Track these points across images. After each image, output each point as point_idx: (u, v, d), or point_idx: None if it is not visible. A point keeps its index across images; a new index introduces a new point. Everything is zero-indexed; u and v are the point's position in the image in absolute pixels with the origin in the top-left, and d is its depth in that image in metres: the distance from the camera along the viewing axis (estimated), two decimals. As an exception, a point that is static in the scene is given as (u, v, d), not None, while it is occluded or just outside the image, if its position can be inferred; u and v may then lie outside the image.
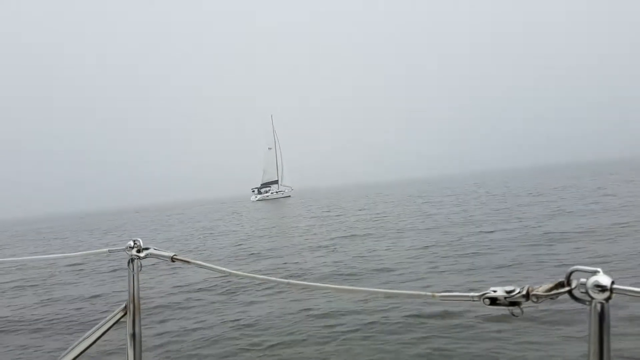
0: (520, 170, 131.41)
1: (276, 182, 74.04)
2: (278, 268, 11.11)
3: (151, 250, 1.80)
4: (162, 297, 8.89)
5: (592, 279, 0.93)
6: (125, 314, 1.81)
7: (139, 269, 1.81)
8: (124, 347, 1.80)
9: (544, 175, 66.03)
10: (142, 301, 1.85)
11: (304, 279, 9.11)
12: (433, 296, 1.19)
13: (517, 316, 1.04)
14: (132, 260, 1.80)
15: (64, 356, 1.74)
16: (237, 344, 5.87)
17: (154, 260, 1.85)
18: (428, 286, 7.96)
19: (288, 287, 8.01)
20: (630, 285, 0.92)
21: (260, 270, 10.89)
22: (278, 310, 7.25)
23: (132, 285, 1.82)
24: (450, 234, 13.95)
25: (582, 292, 0.95)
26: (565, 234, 11.69)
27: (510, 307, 1.03)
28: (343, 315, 6.55)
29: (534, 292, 1.00)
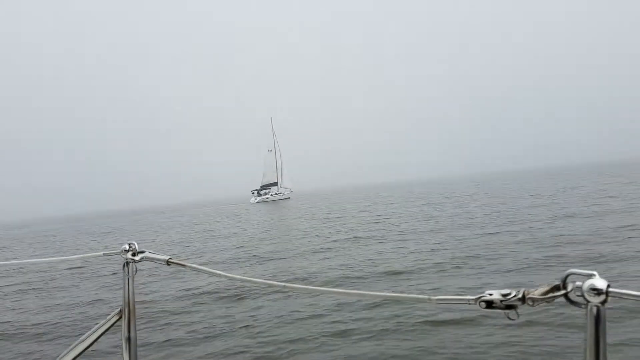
0: (520, 172, 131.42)
1: (276, 184, 74.01)
2: (282, 272, 10.94)
3: (146, 254, 1.78)
4: (157, 300, 8.84)
5: (588, 282, 0.93)
6: (121, 317, 1.80)
7: (134, 272, 1.80)
8: (119, 351, 1.78)
9: (544, 177, 65.97)
10: (137, 305, 1.82)
11: (301, 283, 9.01)
12: (430, 300, 1.19)
13: (513, 319, 1.04)
14: (127, 263, 1.79)
15: None
16: (233, 348, 5.85)
17: (150, 264, 1.83)
18: (438, 288, 7.86)
19: (285, 291, 7.92)
20: (626, 288, 0.92)
21: (262, 274, 10.76)
22: (278, 312, 7.21)
23: (127, 289, 1.80)
24: (454, 235, 13.82)
25: (578, 296, 0.95)
26: (572, 236, 11.56)
27: (507, 311, 1.03)
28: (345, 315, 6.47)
29: (530, 296, 1.00)
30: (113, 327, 1.80)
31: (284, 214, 37.25)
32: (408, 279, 8.83)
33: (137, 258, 1.78)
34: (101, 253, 2.02)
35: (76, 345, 1.76)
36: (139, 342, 1.83)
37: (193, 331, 6.69)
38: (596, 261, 8.58)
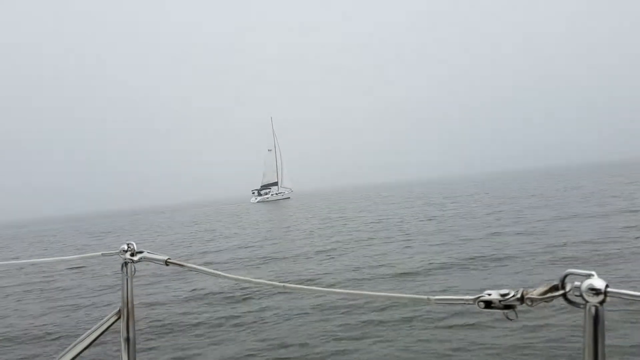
0: (520, 172, 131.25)
1: (276, 184, 73.95)
2: (289, 273, 10.80)
3: (145, 254, 1.77)
4: (157, 300, 8.82)
5: (587, 282, 0.93)
6: (119, 318, 1.79)
7: (133, 272, 1.79)
8: (117, 351, 1.77)
9: (544, 177, 65.90)
10: (136, 305, 1.82)
11: (301, 283, 8.95)
12: (429, 300, 1.19)
13: (511, 319, 1.04)
14: (125, 263, 1.78)
15: None
16: (233, 347, 5.87)
17: (149, 264, 1.81)
18: (452, 288, 7.80)
19: (284, 291, 7.98)
20: (625, 288, 0.92)
21: (268, 275, 10.69)
22: (277, 312, 7.21)
23: (126, 289, 1.79)
24: (458, 236, 13.72)
25: (576, 296, 0.95)
26: (577, 237, 11.47)
27: (505, 311, 1.03)
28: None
29: (529, 296, 1.00)
30: (112, 328, 1.79)
31: (285, 214, 37.19)
32: (415, 280, 8.74)
33: (135, 258, 1.77)
34: (100, 253, 2.01)
35: (75, 345, 1.75)
36: (137, 343, 1.82)
37: (192, 331, 6.69)
38: (602, 263, 8.52)
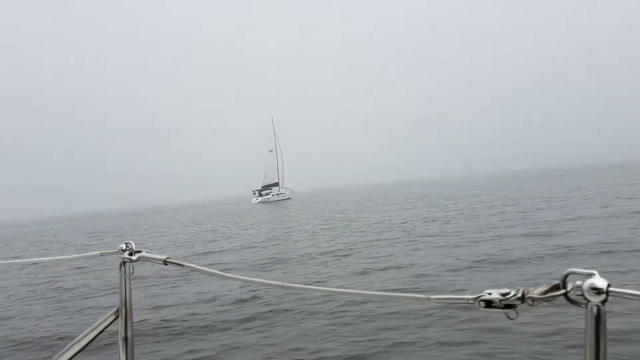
0: (520, 173, 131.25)
1: (277, 184, 73.90)
2: (300, 276, 10.63)
3: (143, 253, 1.77)
4: (155, 300, 8.80)
5: (588, 282, 0.93)
6: (117, 317, 1.79)
7: (131, 272, 1.79)
8: (115, 351, 1.77)
9: (545, 177, 65.82)
10: (134, 305, 1.82)
11: (299, 282, 8.85)
12: (428, 299, 1.18)
13: (512, 319, 1.03)
14: (124, 263, 1.78)
15: None
16: (233, 347, 5.86)
17: (148, 264, 1.80)
18: (464, 289, 7.72)
19: (282, 290, 7.90)
20: (627, 287, 0.91)
21: (276, 277, 10.58)
22: (278, 312, 7.21)
23: (124, 289, 1.79)
24: (465, 238, 13.54)
25: (578, 295, 0.94)
26: (586, 238, 11.36)
27: (506, 310, 1.03)
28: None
29: (530, 295, 1.00)
30: (110, 327, 1.79)
31: (287, 214, 37.09)
32: (427, 281, 8.62)
33: (134, 258, 1.77)
34: (98, 253, 2.00)
35: (72, 345, 1.74)
36: (135, 343, 1.82)
37: (191, 331, 6.68)
38: (612, 264, 8.42)
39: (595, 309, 0.92)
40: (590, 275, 0.94)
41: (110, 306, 1.83)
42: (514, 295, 1.01)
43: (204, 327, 6.87)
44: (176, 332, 6.72)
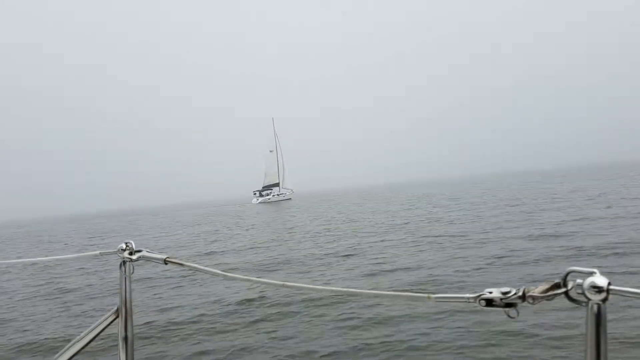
0: (520, 173, 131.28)
1: (277, 184, 73.82)
2: (306, 277, 10.47)
3: (144, 253, 1.77)
4: (155, 300, 8.79)
5: (589, 280, 0.93)
6: (117, 317, 1.79)
7: (132, 271, 1.79)
8: (115, 351, 1.76)
9: (545, 178, 65.73)
10: (134, 304, 1.82)
11: (300, 282, 8.78)
12: (429, 298, 1.18)
13: (513, 318, 1.03)
14: (124, 262, 1.77)
15: None
16: (232, 348, 5.87)
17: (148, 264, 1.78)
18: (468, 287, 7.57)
19: (283, 289, 7.93)
20: (627, 286, 0.92)
21: (284, 279, 10.42)
22: (278, 313, 7.18)
23: (124, 288, 1.79)
24: (474, 239, 13.34)
25: (578, 293, 0.95)
26: (597, 239, 11.22)
27: (506, 309, 1.03)
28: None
29: (530, 294, 1.00)
30: (110, 327, 1.78)
31: (289, 214, 36.96)
32: (434, 284, 8.49)
33: (134, 257, 1.76)
34: (98, 252, 1.99)
35: (72, 344, 1.73)
36: (135, 342, 1.82)
37: (190, 332, 6.67)
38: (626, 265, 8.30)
39: (595, 307, 0.92)
40: (591, 273, 0.94)
41: (111, 306, 1.82)
42: (515, 294, 1.01)
43: (204, 327, 6.84)
44: (176, 332, 6.70)
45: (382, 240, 15.05)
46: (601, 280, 0.92)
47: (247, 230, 24.75)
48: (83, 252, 2.22)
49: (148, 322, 7.19)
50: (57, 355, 1.73)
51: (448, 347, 5.23)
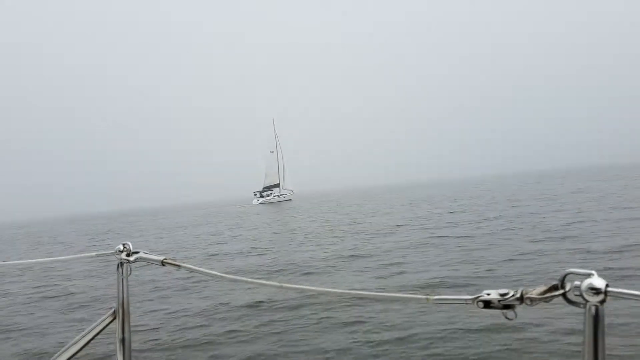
0: (521, 174, 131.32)
1: (278, 185, 73.78)
2: (310, 279, 10.32)
3: (141, 254, 1.76)
4: (153, 301, 8.79)
5: (587, 282, 0.93)
6: (115, 318, 1.78)
7: (129, 273, 1.78)
8: (113, 352, 1.76)
9: (546, 179, 65.72)
10: (131, 306, 1.81)
11: (297, 283, 8.73)
12: (427, 299, 1.18)
13: (511, 319, 1.03)
14: (121, 264, 1.77)
15: None
16: (226, 349, 5.87)
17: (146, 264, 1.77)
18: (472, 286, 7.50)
19: (281, 291, 7.88)
20: (625, 287, 0.92)
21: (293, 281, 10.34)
22: (278, 312, 7.22)
23: (121, 290, 1.78)
24: (483, 242, 13.17)
25: (576, 295, 0.95)
26: (604, 242, 11.15)
27: (504, 311, 1.03)
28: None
29: (528, 295, 1.00)
30: (107, 329, 1.78)
31: (290, 215, 36.90)
32: (440, 287, 8.40)
33: (131, 258, 1.75)
34: (94, 254, 1.98)
35: (69, 346, 1.73)
36: (133, 344, 1.82)
37: (189, 333, 6.67)
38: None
39: (593, 309, 0.92)
40: (588, 275, 0.94)
41: (108, 307, 1.81)
42: (513, 295, 1.01)
43: (202, 328, 6.82)
44: (173, 334, 6.68)
45: (385, 242, 14.96)
46: (599, 282, 0.92)
47: (248, 231, 24.68)
48: (80, 254, 2.18)
49: (145, 324, 7.18)
50: (54, 356, 1.72)
51: (448, 347, 5.24)
